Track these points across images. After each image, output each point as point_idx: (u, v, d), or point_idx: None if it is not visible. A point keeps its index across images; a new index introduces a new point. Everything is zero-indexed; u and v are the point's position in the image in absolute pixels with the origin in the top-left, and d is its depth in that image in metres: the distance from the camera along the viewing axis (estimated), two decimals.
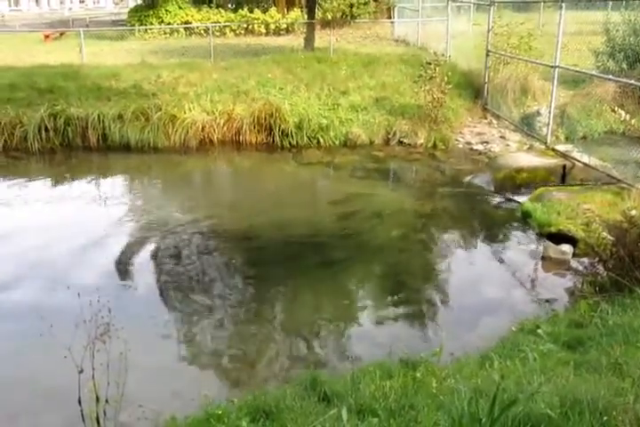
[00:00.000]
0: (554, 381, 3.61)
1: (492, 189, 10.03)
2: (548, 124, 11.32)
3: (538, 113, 12.59)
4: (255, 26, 26.00)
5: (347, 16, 26.17)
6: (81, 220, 9.19)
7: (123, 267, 7.46)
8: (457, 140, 12.68)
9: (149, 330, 6.01)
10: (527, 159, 10.41)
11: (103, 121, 12.79)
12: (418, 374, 4.07)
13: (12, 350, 5.65)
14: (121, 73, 14.93)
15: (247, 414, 3.72)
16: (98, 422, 4.19)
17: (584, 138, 12.17)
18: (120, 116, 12.89)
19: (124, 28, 26.32)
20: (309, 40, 19.38)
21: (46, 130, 12.74)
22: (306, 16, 21.87)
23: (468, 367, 4.39)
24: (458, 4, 17.77)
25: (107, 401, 4.22)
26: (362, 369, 4.54)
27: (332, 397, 3.88)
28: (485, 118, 13.79)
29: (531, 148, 11.56)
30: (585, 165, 9.88)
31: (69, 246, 8.06)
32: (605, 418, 2.92)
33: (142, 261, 7.66)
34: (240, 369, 5.44)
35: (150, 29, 25.05)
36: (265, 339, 5.89)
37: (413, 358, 4.63)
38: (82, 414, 4.28)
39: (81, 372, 4.18)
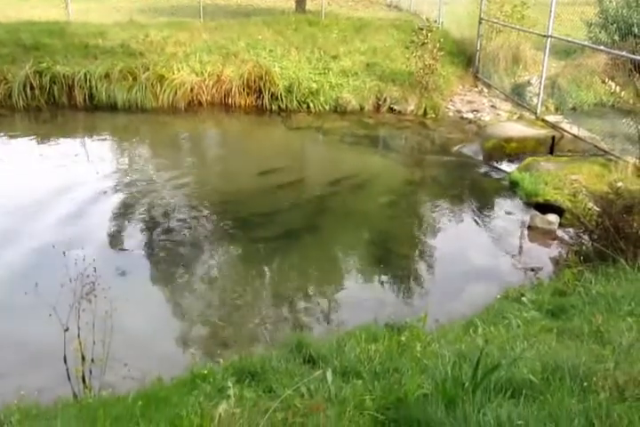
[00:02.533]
0: (536, 347, 3.67)
1: (481, 158, 10.03)
2: (539, 94, 11.27)
3: (529, 83, 12.55)
4: None
5: None
6: (65, 178, 9.06)
7: (106, 225, 7.42)
8: (447, 107, 12.61)
9: (136, 290, 6.02)
10: (517, 129, 10.40)
11: (90, 80, 12.60)
12: (403, 338, 4.11)
13: None
14: (108, 31, 14.65)
15: (233, 375, 3.75)
16: (83, 381, 4.22)
17: (574, 109, 12.17)
18: (107, 76, 12.70)
19: None
20: (301, 2, 19.09)
21: (31, 88, 12.55)
22: None
23: (453, 333, 4.44)
24: None
25: (92, 360, 4.25)
26: (347, 333, 4.59)
27: (318, 359, 3.92)
28: (476, 87, 13.72)
29: (521, 117, 11.53)
30: (574, 136, 9.89)
31: (52, 205, 7.95)
32: (585, 384, 2.98)
33: (126, 218, 7.63)
34: (226, 331, 5.47)
35: None
36: (251, 301, 5.91)
37: (399, 323, 4.67)
38: (67, 373, 4.31)
39: (66, 330, 4.19)
